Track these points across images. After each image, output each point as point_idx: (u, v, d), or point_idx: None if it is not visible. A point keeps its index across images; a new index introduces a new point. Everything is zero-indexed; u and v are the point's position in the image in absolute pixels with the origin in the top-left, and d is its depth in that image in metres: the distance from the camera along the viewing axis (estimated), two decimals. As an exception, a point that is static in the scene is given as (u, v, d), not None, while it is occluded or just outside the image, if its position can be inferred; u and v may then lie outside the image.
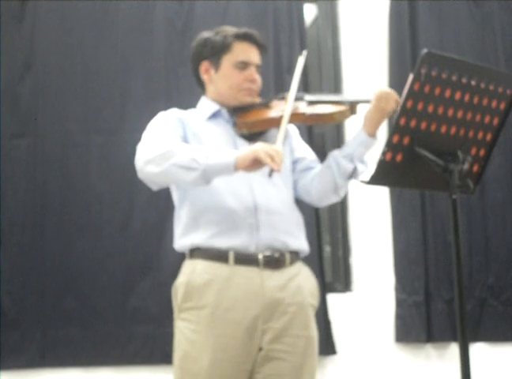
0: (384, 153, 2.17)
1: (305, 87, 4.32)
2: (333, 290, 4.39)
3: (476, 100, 2.23)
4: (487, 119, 2.29)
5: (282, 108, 2.68)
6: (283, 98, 2.77)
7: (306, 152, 2.86)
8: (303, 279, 2.68)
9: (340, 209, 4.51)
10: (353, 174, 2.68)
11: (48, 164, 4.15)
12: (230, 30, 2.76)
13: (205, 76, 2.78)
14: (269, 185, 2.62)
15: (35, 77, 4.21)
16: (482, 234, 4.38)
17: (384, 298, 4.31)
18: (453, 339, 4.17)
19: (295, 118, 2.66)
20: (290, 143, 2.83)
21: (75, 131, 4.20)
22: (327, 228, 4.53)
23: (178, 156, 2.43)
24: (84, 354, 4.04)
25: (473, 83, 2.20)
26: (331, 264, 4.53)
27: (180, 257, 2.71)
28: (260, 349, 2.55)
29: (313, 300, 2.70)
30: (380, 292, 4.32)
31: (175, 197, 2.73)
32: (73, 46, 4.25)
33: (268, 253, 2.58)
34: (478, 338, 4.27)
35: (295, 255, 2.68)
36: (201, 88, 2.84)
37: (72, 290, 4.07)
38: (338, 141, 4.47)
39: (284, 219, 2.64)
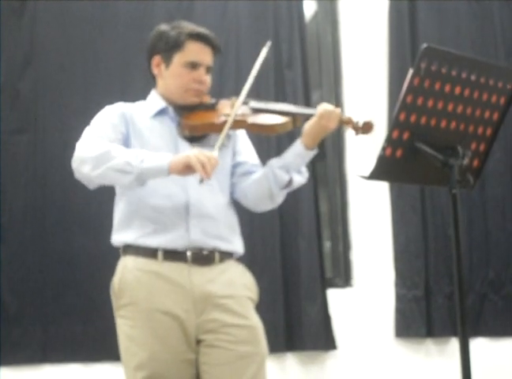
0: (384, 148, 2.16)
1: (305, 82, 4.33)
2: (333, 285, 4.39)
3: (475, 95, 2.23)
4: (487, 114, 2.29)
5: (226, 113, 2.69)
6: (230, 100, 2.77)
7: (248, 156, 2.85)
8: (234, 273, 2.68)
9: (340, 204, 4.52)
10: (289, 184, 2.70)
11: (48, 160, 4.15)
12: (186, 27, 2.74)
13: (155, 71, 2.78)
14: (204, 189, 2.61)
15: (35, 73, 4.20)
16: (482, 229, 4.39)
17: (384, 292, 4.31)
18: (454, 333, 4.17)
19: (236, 124, 2.67)
20: (234, 146, 2.82)
21: (75, 126, 4.15)
22: (327, 223, 4.53)
23: (114, 160, 2.48)
24: (85, 349, 4.05)
25: (473, 77, 2.20)
26: (331, 260, 4.53)
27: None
28: (200, 341, 2.57)
29: (249, 293, 2.70)
30: (380, 287, 4.33)
31: (116, 190, 2.76)
32: (73, 42, 4.24)
33: (196, 251, 2.60)
34: (478, 333, 4.28)
35: (226, 254, 2.68)
36: (152, 79, 2.83)
37: (72, 286, 4.07)
38: (339, 141, 4.48)
39: (215, 224, 2.65)
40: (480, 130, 2.30)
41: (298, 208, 4.21)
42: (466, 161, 2.22)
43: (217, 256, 2.64)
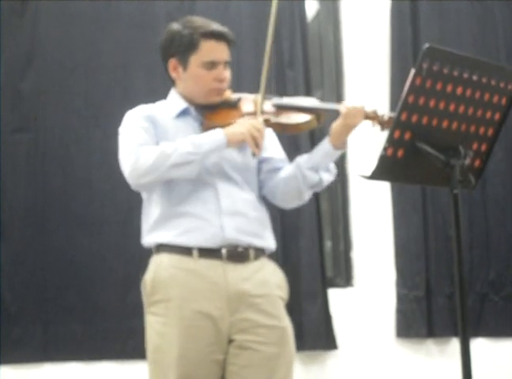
0: (385, 148, 2.16)
1: (306, 82, 4.33)
2: (334, 285, 4.40)
3: (477, 95, 2.23)
4: (488, 114, 2.29)
5: (249, 111, 2.68)
6: (252, 96, 2.75)
7: (274, 152, 2.83)
8: (267, 272, 2.68)
9: (341, 204, 4.52)
10: (318, 183, 2.71)
11: (49, 159, 4.15)
12: (198, 25, 2.70)
13: (173, 74, 2.75)
14: (233, 187, 2.63)
15: (36, 73, 4.21)
16: (483, 229, 4.38)
17: (385, 293, 4.31)
18: (454, 334, 4.17)
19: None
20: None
21: (76, 126, 4.21)
22: (328, 223, 4.53)
23: (172, 157, 2.50)
24: (85, 348, 4.05)
25: (475, 78, 2.20)
26: (332, 259, 4.53)
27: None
28: (231, 341, 2.56)
29: (281, 292, 2.70)
30: (381, 287, 4.33)
31: (144, 194, 2.74)
32: (75, 41, 4.25)
33: (231, 248, 2.60)
34: (479, 333, 4.28)
35: (260, 251, 2.68)
36: (170, 80, 2.81)
37: (73, 285, 4.08)
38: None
39: (248, 221, 2.64)
40: (482, 130, 2.30)
41: (299, 207, 4.17)
42: (468, 161, 2.22)
43: (252, 253, 2.63)
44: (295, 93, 4.24)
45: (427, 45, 2.10)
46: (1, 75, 4.18)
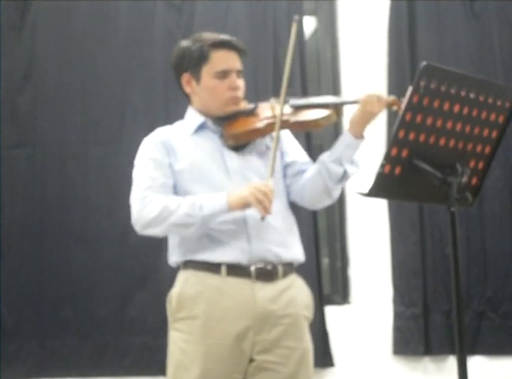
0: (382, 166, 2.16)
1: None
2: (331, 302, 4.39)
3: (474, 113, 2.23)
4: (485, 132, 2.29)
5: (267, 116, 2.67)
6: (269, 102, 2.75)
7: (297, 155, 2.82)
8: (296, 290, 2.66)
9: (338, 221, 4.51)
10: (344, 176, 2.67)
11: (47, 174, 4.15)
12: (207, 38, 2.71)
13: (187, 89, 2.75)
14: None
15: (34, 88, 4.22)
16: (480, 247, 4.38)
17: (382, 310, 4.30)
18: (451, 351, 4.16)
19: (280, 125, 2.64)
20: (281, 147, 2.78)
21: (74, 141, 4.21)
22: (325, 240, 4.53)
23: (174, 215, 2.51)
24: (82, 364, 4.04)
25: (472, 96, 2.20)
26: (329, 276, 4.52)
27: (177, 269, 2.71)
28: (252, 360, 2.55)
29: (307, 312, 2.68)
30: (378, 304, 4.32)
31: None
32: (73, 57, 4.25)
33: (260, 266, 2.57)
34: (476, 351, 4.26)
35: (289, 267, 2.66)
36: (186, 98, 2.81)
37: (70, 300, 4.07)
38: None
39: (275, 231, 2.62)
40: (479, 148, 2.30)
41: (296, 224, 4.20)
42: (465, 179, 2.22)
43: (280, 270, 2.61)
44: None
45: (424, 63, 2.11)
46: (0, 90, 4.19)
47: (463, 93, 2.18)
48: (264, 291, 2.56)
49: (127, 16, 4.31)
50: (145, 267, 4.12)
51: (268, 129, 2.63)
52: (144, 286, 4.10)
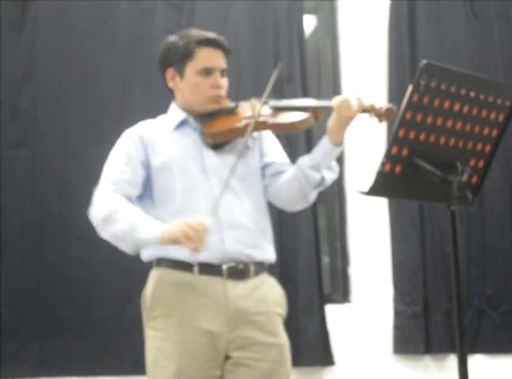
0: (383, 164, 2.17)
1: (304, 97, 4.33)
2: (332, 301, 4.39)
3: (474, 112, 2.23)
4: (486, 131, 2.29)
5: (247, 116, 2.67)
6: (250, 102, 2.75)
7: (276, 156, 2.82)
8: (267, 289, 2.68)
9: (338, 220, 4.51)
10: (321, 182, 2.67)
11: (47, 174, 4.15)
12: (193, 35, 2.73)
13: (171, 84, 2.77)
14: (232, 198, 2.62)
15: (34, 88, 4.21)
16: (480, 245, 4.38)
17: (382, 308, 4.30)
18: (452, 350, 4.16)
19: (258, 126, 2.65)
20: (260, 147, 2.79)
21: (74, 141, 4.20)
22: (326, 239, 4.53)
23: (115, 226, 2.52)
24: (82, 364, 4.04)
25: (472, 94, 2.20)
26: (329, 275, 4.52)
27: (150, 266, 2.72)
28: (228, 357, 2.56)
29: (279, 309, 2.70)
30: (378, 303, 4.32)
31: (144, 201, 2.73)
32: (73, 56, 4.25)
33: (232, 264, 2.59)
34: (476, 349, 4.27)
35: (260, 266, 2.68)
36: (170, 93, 2.81)
37: (70, 300, 4.07)
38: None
39: (248, 233, 2.63)
40: (479, 147, 2.31)
41: (296, 223, 4.21)
42: (465, 177, 2.22)
43: (252, 269, 2.63)
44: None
45: (424, 61, 2.11)
46: (0, 90, 4.19)
47: (463, 92, 2.18)
48: (236, 289, 2.58)
49: (127, 15, 4.30)
50: (145, 267, 4.09)
51: (246, 128, 2.63)
52: (144, 286, 4.10)
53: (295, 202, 2.77)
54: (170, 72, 2.75)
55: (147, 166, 2.66)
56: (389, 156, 2.17)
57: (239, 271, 2.60)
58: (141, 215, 2.54)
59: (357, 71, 4.52)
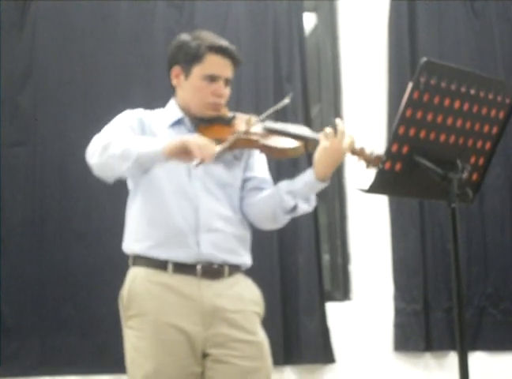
0: (383, 162, 2.17)
1: (304, 96, 4.34)
2: (332, 298, 4.39)
3: (475, 109, 2.24)
4: (486, 128, 2.29)
5: (241, 130, 2.67)
6: (247, 117, 2.74)
7: (259, 172, 2.83)
8: (242, 288, 2.69)
9: (339, 217, 4.52)
10: (293, 210, 2.68)
11: (47, 173, 4.15)
12: (206, 39, 2.73)
13: (174, 81, 2.77)
14: (214, 203, 2.63)
15: (35, 86, 4.21)
16: (481, 243, 4.38)
17: (383, 306, 4.31)
18: (452, 348, 4.16)
19: (249, 143, 2.66)
20: (247, 160, 2.81)
21: (74, 140, 4.19)
22: (326, 236, 4.53)
23: (115, 147, 2.49)
24: (82, 362, 4.04)
25: (472, 92, 2.21)
26: (330, 273, 4.53)
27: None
28: (207, 355, 2.57)
29: (256, 307, 2.71)
30: (379, 301, 4.32)
31: (130, 187, 2.75)
32: (73, 55, 4.25)
33: (206, 264, 2.61)
34: (477, 347, 4.27)
35: (235, 268, 2.69)
36: (172, 89, 2.82)
37: (70, 298, 4.07)
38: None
39: (225, 238, 2.64)
40: (479, 144, 2.31)
41: (297, 221, 4.19)
42: (465, 175, 2.23)
43: (226, 269, 2.64)
44: (293, 107, 4.24)
45: (424, 59, 2.11)
46: (0, 88, 4.19)
47: (463, 89, 2.19)
48: (210, 288, 2.60)
49: (128, 14, 4.30)
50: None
51: (237, 143, 2.63)
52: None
53: (263, 221, 2.77)
54: (176, 69, 2.75)
55: None
56: (389, 154, 2.17)
57: (214, 270, 2.62)
58: (143, 137, 2.54)
59: (357, 70, 4.53)
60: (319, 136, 2.61)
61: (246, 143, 2.65)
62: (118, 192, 4.11)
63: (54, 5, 4.26)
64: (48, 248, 4.09)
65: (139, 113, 2.76)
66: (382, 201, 4.35)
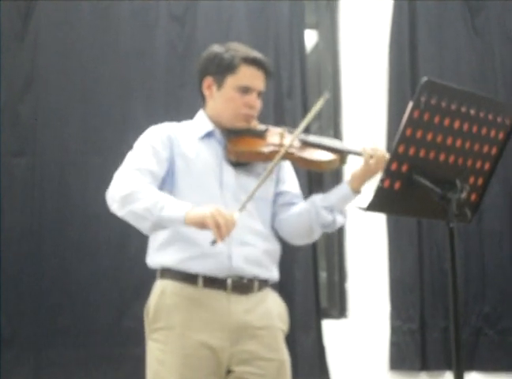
0: (382, 180, 2.17)
1: (304, 112, 4.34)
2: (329, 316, 4.38)
3: (474, 129, 2.24)
4: (485, 148, 2.29)
5: (275, 143, 2.67)
6: (280, 129, 2.74)
7: (291, 186, 2.83)
8: (271, 303, 2.68)
9: (336, 235, 4.51)
10: (331, 224, 2.70)
11: (47, 183, 4.15)
12: (240, 50, 2.73)
13: (206, 92, 2.76)
14: (246, 217, 2.60)
15: (35, 96, 4.21)
16: (478, 263, 4.38)
17: (379, 324, 4.30)
18: (448, 367, 4.15)
19: (285, 156, 2.64)
20: (278, 174, 2.80)
21: (74, 150, 4.21)
22: (323, 253, 4.53)
23: (137, 203, 2.46)
24: (78, 374, 4.02)
25: (472, 112, 2.21)
26: (327, 290, 4.52)
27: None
28: (230, 371, 2.56)
29: (282, 324, 2.70)
30: (375, 319, 4.31)
31: None
32: (74, 66, 4.26)
33: (236, 279, 2.59)
34: (473, 367, 4.26)
35: (264, 282, 2.68)
36: (202, 100, 2.81)
37: (67, 310, 4.06)
38: (336, 172, 4.47)
39: (256, 252, 2.63)
40: (479, 164, 2.31)
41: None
42: (464, 195, 2.22)
43: (256, 284, 2.63)
44: (293, 123, 4.24)
45: (425, 78, 2.11)
46: (1, 98, 4.19)
47: (463, 109, 2.19)
48: (239, 303, 2.58)
49: (129, 26, 4.31)
50: (143, 277, 4.07)
51: (271, 156, 2.62)
52: (142, 296, 4.05)
53: (299, 236, 2.79)
54: (208, 80, 2.74)
55: (170, 163, 2.64)
56: (388, 172, 2.17)
57: (244, 285, 2.60)
58: (165, 195, 2.51)
59: (357, 86, 4.53)
60: (362, 151, 2.62)
61: (283, 156, 2.62)
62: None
63: (56, 16, 4.27)
64: (46, 258, 4.09)
65: (166, 129, 2.72)
66: (380, 219, 4.35)
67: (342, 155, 2.69)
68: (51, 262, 4.09)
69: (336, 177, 4.47)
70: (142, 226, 2.51)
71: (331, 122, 4.62)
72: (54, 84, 4.24)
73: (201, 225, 2.38)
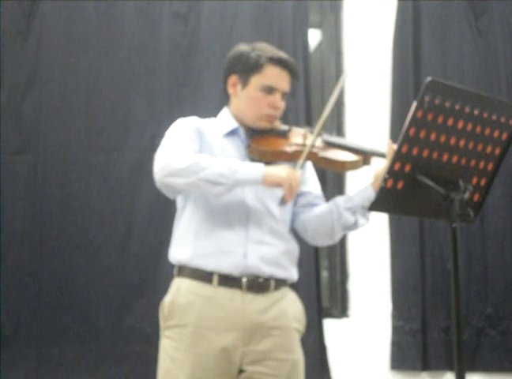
0: (385, 180, 2.17)
1: (307, 112, 4.34)
2: (330, 315, 4.38)
3: (478, 130, 2.23)
4: (488, 149, 2.29)
5: (298, 142, 2.68)
6: (303, 130, 2.76)
7: (313, 187, 2.84)
8: (287, 303, 2.68)
9: (338, 234, 4.50)
10: (353, 226, 2.71)
11: (49, 181, 4.15)
12: (267, 50, 2.74)
13: (231, 90, 2.77)
14: (265, 215, 2.63)
15: (38, 94, 4.22)
16: (481, 263, 4.37)
17: (380, 324, 4.30)
18: (449, 368, 4.15)
19: (307, 156, 2.64)
20: (301, 174, 2.80)
21: (76, 149, 4.21)
22: (325, 253, 4.53)
23: (206, 170, 2.46)
24: (80, 372, 4.03)
25: (476, 112, 2.20)
26: (328, 289, 4.52)
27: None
28: (242, 371, 2.56)
29: (298, 324, 2.70)
30: (377, 318, 4.31)
31: (179, 203, 2.74)
32: (78, 64, 4.26)
33: (252, 278, 2.59)
34: (474, 367, 4.25)
35: (282, 282, 2.68)
36: (226, 98, 2.82)
37: (68, 308, 4.07)
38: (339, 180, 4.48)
39: (273, 251, 2.64)
40: (482, 165, 2.30)
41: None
42: (467, 195, 2.22)
43: (273, 284, 2.63)
44: (296, 123, 4.25)
45: (429, 78, 2.11)
46: (3, 96, 4.20)
47: (467, 109, 2.18)
48: (254, 303, 2.59)
49: (133, 24, 4.32)
50: (144, 276, 4.11)
51: (294, 155, 2.64)
52: (143, 294, 4.10)
53: (321, 237, 2.79)
54: (233, 78, 2.75)
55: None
56: (391, 172, 2.17)
57: (259, 284, 2.60)
58: (230, 159, 2.54)
59: (361, 86, 4.53)
60: (385, 152, 2.63)
61: (306, 156, 2.63)
62: (118, 202, 4.14)
63: (60, 15, 4.28)
64: (47, 256, 4.09)
65: (195, 122, 2.73)
66: (382, 219, 4.35)
67: (366, 156, 2.69)
68: (53, 260, 4.09)
69: (338, 177, 4.47)
70: (214, 191, 2.49)
71: (334, 122, 4.61)
72: (57, 83, 4.25)
73: (277, 185, 2.49)
